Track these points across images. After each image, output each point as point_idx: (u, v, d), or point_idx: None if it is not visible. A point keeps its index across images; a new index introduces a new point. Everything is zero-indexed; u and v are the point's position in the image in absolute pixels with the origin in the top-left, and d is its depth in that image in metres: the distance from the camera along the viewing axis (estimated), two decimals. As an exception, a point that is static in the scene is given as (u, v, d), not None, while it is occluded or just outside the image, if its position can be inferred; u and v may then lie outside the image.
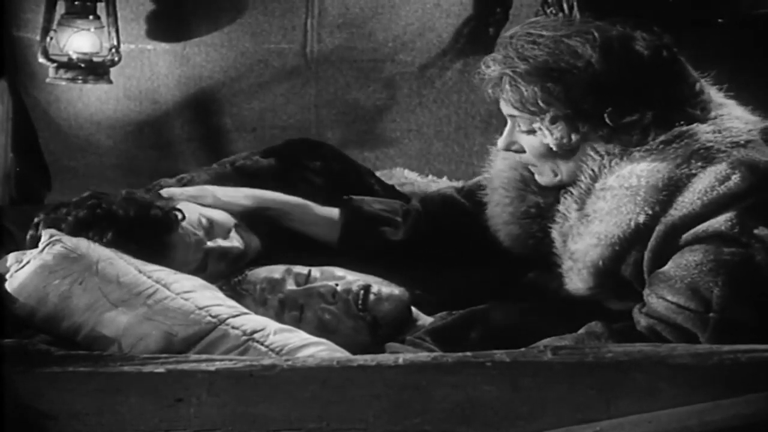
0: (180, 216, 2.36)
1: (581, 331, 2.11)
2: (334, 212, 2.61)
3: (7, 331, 2.01)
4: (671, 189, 2.09)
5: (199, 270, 2.38)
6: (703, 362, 1.80)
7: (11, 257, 2.28)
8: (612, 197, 2.13)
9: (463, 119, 3.25)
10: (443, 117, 3.26)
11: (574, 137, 2.20)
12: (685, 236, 2.06)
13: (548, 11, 3.07)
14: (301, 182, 2.73)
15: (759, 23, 3.09)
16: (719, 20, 3.11)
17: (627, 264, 2.14)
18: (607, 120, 2.15)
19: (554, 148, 2.22)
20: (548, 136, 2.21)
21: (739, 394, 1.79)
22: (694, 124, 2.14)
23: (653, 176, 2.10)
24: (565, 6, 2.96)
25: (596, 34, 2.18)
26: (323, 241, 2.59)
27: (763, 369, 1.80)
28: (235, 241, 2.46)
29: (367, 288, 2.27)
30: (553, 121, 2.19)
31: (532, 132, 2.23)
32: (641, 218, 2.09)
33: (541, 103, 2.17)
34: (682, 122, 2.14)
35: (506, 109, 2.25)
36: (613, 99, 2.15)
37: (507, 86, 2.20)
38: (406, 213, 2.61)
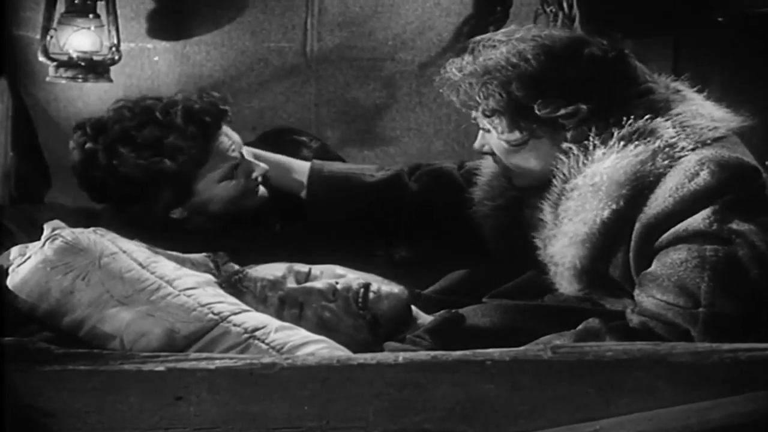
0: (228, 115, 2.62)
1: (579, 327, 2.12)
2: (303, 164, 2.69)
3: (8, 328, 2.00)
4: (635, 185, 2.12)
5: (226, 178, 2.58)
6: (703, 361, 1.81)
7: (15, 250, 2.28)
8: (578, 196, 2.16)
9: (463, 118, 3.22)
10: (443, 116, 3.26)
11: (520, 133, 2.23)
12: (666, 236, 2.09)
13: (548, 10, 3.08)
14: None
15: (759, 22, 3.10)
16: (719, 19, 3.11)
17: (614, 266, 2.16)
18: (537, 110, 2.17)
19: (505, 144, 2.25)
20: (493, 131, 2.25)
21: (738, 392, 1.79)
22: (650, 120, 2.16)
23: (615, 172, 2.13)
24: (564, 4, 2.96)
25: (543, 35, 2.21)
26: (293, 192, 2.67)
27: (763, 367, 1.80)
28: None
29: (366, 286, 2.27)
30: (489, 114, 2.23)
31: (489, 130, 2.27)
32: (605, 213, 2.13)
33: (477, 97, 2.21)
34: (630, 118, 2.16)
35: (474, 113, 2.29)
36: (546, 91, 2.18)
37: (459, 87, 2.24)
38: (385, 171, 2.68)
